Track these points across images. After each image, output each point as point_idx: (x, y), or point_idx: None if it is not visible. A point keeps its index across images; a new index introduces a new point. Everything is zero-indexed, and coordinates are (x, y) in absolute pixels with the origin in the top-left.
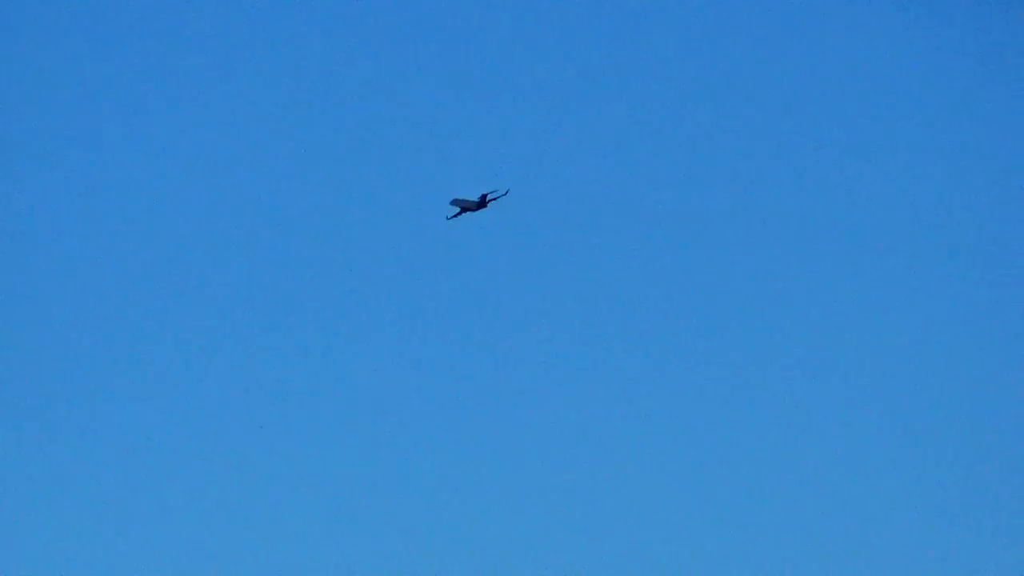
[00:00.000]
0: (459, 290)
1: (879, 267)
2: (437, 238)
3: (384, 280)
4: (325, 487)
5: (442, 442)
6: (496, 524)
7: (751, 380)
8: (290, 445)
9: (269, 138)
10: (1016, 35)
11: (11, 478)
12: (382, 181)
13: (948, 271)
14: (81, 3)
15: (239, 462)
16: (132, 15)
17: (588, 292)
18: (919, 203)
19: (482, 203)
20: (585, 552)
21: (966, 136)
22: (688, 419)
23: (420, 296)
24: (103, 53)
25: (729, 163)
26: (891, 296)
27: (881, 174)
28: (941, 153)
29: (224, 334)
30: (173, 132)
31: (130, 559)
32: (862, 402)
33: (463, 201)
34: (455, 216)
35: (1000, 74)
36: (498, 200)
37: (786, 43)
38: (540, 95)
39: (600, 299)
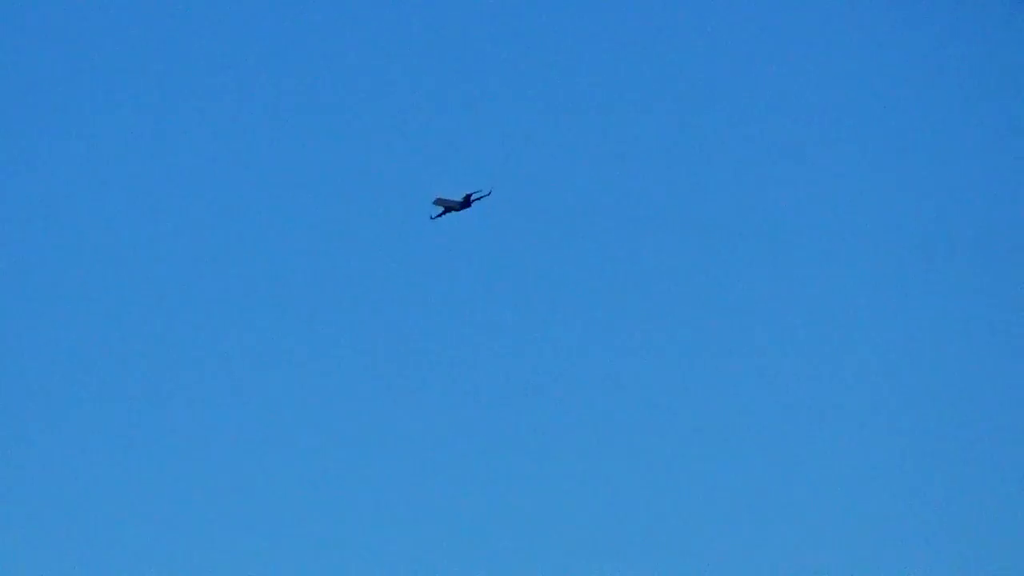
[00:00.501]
0: (443, 290)
1: (879, 267)
2: (421, 238)
3: (367, 280)
4: (313, 488)
5: (426, 442)
6: (491, 525)
7: (740, 379)
8: (277, 448)
9: (254, 139)
10: (1015, 36)
11: (11, 478)
12: (364, 181)
13: (947, 271)
14: (81, 3)
15: (233, 463)
16: (132, 15)
17: (573, 291)
18: (918, 203)
19: (466, 203)
20: (585, 552)
21: (966, 136)
22: (672, 416)
23: (404, 296)
24: (102, 53)
25: (718, 162)
26: (890, 296)
27: (881, 175)
28: (940, 153)
29: (209, 335)
30: (149, 133)
31: (130, 559)
32: (863, 404)
33: (447, 201)
34: (439, 216)
35: (1000, 75)
36: (482, 200)
37: (780, 44)
38: (523, 94)
39: (585, 298)
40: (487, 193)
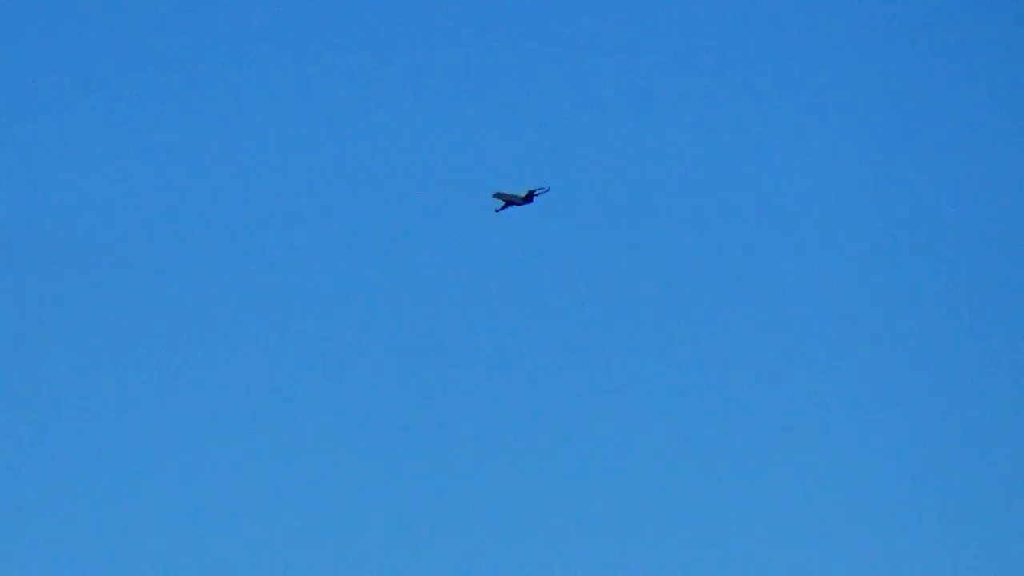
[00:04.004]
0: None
1: (890, 271)
2: (479, 232)
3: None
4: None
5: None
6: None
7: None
8: (295, 447)
9: (301, 135)
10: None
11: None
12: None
13: (947, 272)
14: (82, 3)
15: (246, 467)
16: (133, 15)
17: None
18: (918, 204)
19: (528, 198)
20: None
21: (965, 137)
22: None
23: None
24: (103, 53)
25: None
26: (891, 297)
27: (884, 178)
28: (939, 154)
29: (234, 333)
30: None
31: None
32: (867, 411)
33: (508, 195)
34: (502, 209)
35: (998, 76)
36: (542, 195)
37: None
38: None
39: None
40: (546, 189)
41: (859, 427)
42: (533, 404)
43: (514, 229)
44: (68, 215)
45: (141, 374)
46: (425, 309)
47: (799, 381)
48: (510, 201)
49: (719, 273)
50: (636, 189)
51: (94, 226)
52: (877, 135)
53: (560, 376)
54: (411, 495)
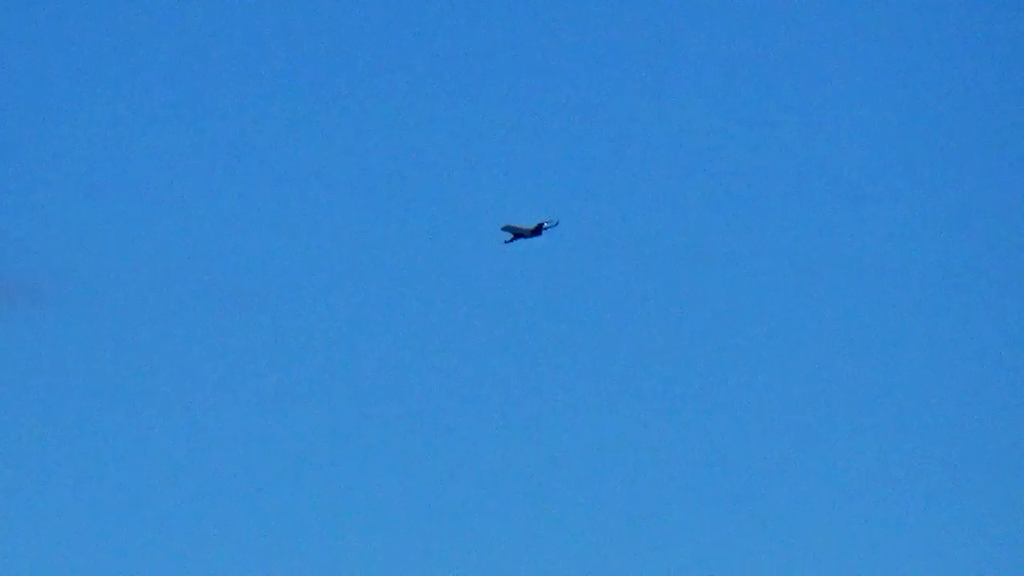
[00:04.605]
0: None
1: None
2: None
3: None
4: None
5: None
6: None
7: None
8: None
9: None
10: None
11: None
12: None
13: (946, 275)
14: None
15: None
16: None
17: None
18: (918, 208)
19: (537, 231)
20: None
21: (967, 138)
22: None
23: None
24: (104, 53)
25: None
26: (891, 301)
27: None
28: (939, 155)
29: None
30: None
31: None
32: (872, 424)
33: (518, 228)
34: (511, 241)
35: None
36: (550, 229)
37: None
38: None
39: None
40: (555, 223)
41: (860, 433)
42: (537, 424)
43: (522, 261)
44: (68, 217)
45: (143, 379)
46: (435, 336)
47: (803, 409)
48: (519, 234)
49: (725, 306)
50: (645, 228)
51: (96, 227)
52: (882, 154)
53: (562, 400)
54: (424, 509)
